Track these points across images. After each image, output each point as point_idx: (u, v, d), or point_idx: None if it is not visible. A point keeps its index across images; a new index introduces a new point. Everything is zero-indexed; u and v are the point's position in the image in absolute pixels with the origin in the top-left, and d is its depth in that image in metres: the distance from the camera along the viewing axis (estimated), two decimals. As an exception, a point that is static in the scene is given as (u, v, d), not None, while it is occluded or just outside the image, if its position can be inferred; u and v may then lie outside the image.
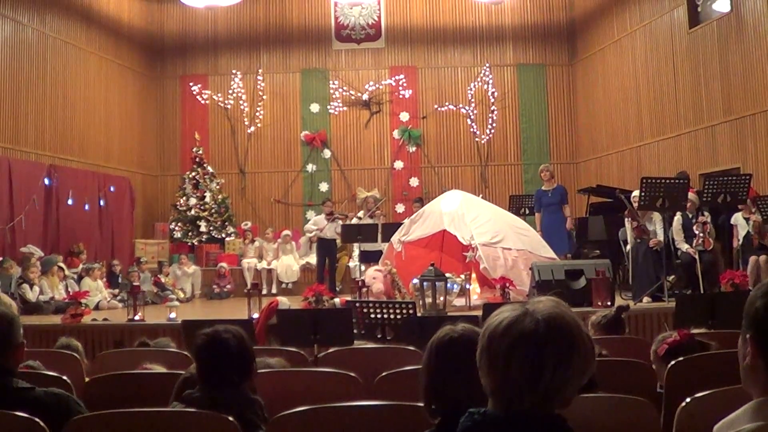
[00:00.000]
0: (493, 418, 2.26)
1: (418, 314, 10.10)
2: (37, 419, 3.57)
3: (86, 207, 18.30)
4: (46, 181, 16.94)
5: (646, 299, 12.44)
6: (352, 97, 22.85)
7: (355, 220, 18.26)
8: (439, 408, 2.94)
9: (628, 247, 13.92)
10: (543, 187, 15.97)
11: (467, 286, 13.78)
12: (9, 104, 16.56)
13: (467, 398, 2.62)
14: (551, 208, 15.61)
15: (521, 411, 2.22)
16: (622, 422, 4.09)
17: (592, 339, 2.33)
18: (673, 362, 5.06)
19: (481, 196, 17.65)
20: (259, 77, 22.99)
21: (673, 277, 12.95)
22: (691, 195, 13.27)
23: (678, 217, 13.43)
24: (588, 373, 2.28)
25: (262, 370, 4.72)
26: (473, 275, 14.37)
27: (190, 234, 20.77)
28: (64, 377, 5.02)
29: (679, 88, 17.33)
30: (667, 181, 12.82)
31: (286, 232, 20.23)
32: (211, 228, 20.76)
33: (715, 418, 2.30)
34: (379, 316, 9.39)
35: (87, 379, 5.75)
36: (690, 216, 13.36)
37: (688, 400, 3.94)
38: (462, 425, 2.31)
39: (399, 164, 22.68)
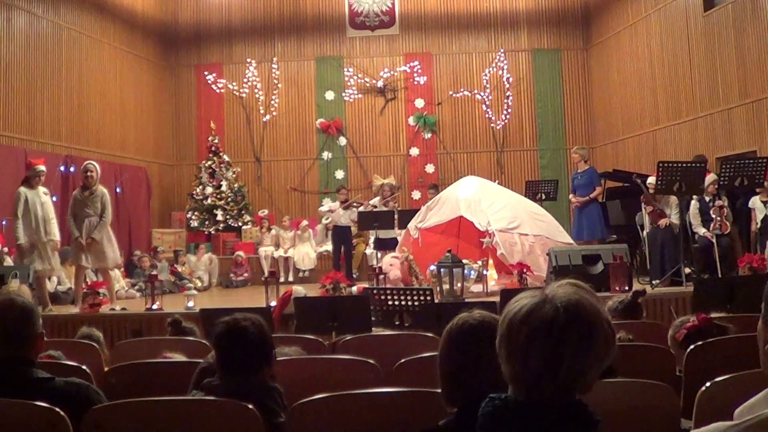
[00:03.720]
0: (513, 405, 2.25)
1: (436, 301, 10.09)
2: (56, 408, 3.58)
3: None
4: (62, 168, 16.98)
5: (663, 284, 12.40)
6: (367, 85, 22.83)
7: (369, 208, 18.22)
8: (457, 395, 2.94)
9: (645, 231, 13.89)
10: (578, 169, 15.92)
11: (484, 272, 13.78)
12: (25, 96, 16.59)
13: (485, 385, 2.62)
14: (581, 191, 15.53)
15: (542, 397, 2.21)
16: (641, 407, 4.08)
17: (612, 324, 2.31)
18: (692, 346, 5.05)
19: (497, 181, 17.65)
20: (273, 65, 22.99)
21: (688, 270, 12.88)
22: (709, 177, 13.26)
23: (695, 202, 13.40)
24: (608, 360, 2.26)
25: (281, 358, 4.73)
26: (490, 261, 14.35)
27: (206, 223, 20.81)
28: (84, 367, 5.03)
29: (694, 71, 17.25)
30: (684, 164, 12.75)
31: (304, 222, 20.21)
32: (228, 217, 20.79)
33: (735, 403, 2.29)
34: (396, 302, 9.38)
35: (106, 369, 5.77)
36: (707, 200, 13.32)
37: (708, 384, 3.93)
38: (482, 410, 2.30)
39: (414, 151, 22.66)
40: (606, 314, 2.28)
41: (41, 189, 12.81)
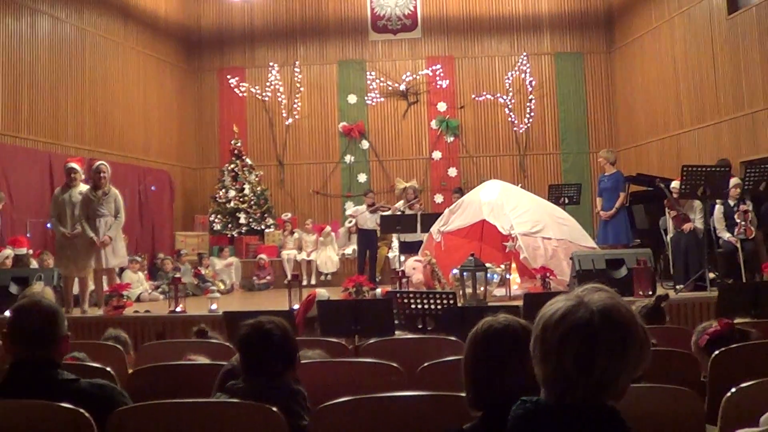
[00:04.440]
0: (545, 408, 2.24)
1: (459, 304, 10.07)
2: (81, 410, 3.60)
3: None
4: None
5: (687, 289, 12.34)
6: (390, 88, 22.84)
7: (397, 212, 18.22)
8: (483, 399, 2.93)
9: (669, 236, 13.83)
10: (605, 172, 15.88)
11: (507, 276, 13.74)
12: (49, 100, 16.69)
13: (511, 389, 2.61)
14: (606, 194, 15.48)
15: (574, 401, 2.20)
16: (666, 412, 4.06)
17: (648, 331, 2.30)
18: (717, 352, 5.03)
19: (519, 185, 17.58)
20: (296, 69, 23.03)
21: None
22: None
23: (719, 206, 13.33)
24: (643, 366, 2.25)
25: (304, 361, 4.73)
26: (513, 265, 14.33)
27: (229, 226, 20.86)
28: (108, 368, 5.05)
29: (718, 74, 17.16)
30: (708, 169, 12.69)
31: (327, 229, 20.24)
32: (251, 220, 20.83)
33: (761, 408, 2.28)
34: (419, 306, 9.37)
35: (131, 371, 5.79)
36: (732, 204, 13.26)
37: (733, 390, 3.92)
38: (514, 412, 2.30)
39: (437, 154, 22.65)
40: (641, 321, 2.26)
41: (77, 189, 12.85)
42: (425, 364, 5.17)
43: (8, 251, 13.62)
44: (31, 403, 3.66)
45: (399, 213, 17.97)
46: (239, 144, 21.50)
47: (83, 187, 12.95)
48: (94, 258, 12.66)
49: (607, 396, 2.22)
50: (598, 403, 2.21)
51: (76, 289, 13.00)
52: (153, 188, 19.96)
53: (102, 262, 12.71)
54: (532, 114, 22.57)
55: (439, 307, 9.25)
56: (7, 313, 4.45)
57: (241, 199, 20.89)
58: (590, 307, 2.21)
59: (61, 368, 3.91)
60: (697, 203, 13.12)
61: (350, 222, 20.12)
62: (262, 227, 21.01)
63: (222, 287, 17.66)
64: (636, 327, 2.23)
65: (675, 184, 13.27)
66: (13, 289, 11.96)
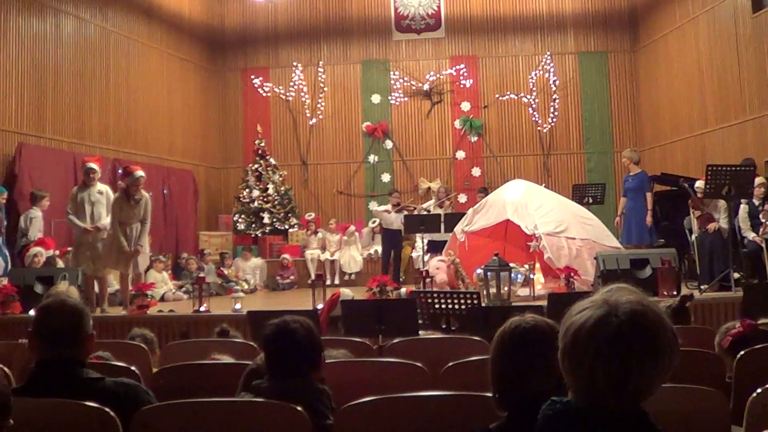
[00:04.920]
0: (575, 410, 2.22)
1: (482, 304, 10.05)
2: (106, 409, 3.61)
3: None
4: (120, 172, 17.07)
5: (712, 289, 12.28)
6: (413, 88, 22.84)
7: (423, 212, 18.23)
8: (509, 399, 2.92)
9: (694, 236, 13.77)
10: (629, 172, 15.83)
11: (531, 276, 13.71)
12: (73, 100, 16.77)
13: (538, 389, 2.60)
14: (630, 194, 15.46)
15: (605, 407, 2.18)
16: (691, 412, 4.04)
17: (676, 332, 2.27)
18: (742, 353, 5.01)
19: (543, 185, 17.52)
20: (319, 69, 23.06)
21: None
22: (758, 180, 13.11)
23: (744, 205, 13.26)
24: (674, 368, 2.23)
25: (329, 361, 4.73)
26: (537, 265, 14.28)
27: (253, 226, 20.88)
28: (133, 367, 5.06)
29: (743, 73, 17.05)
30: (733, 168, 12.62)
31: (351, 228, 20.27)
32: (274, 219, 20.85)
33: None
34: (443, 306, 9.37)
35: (155, 370, 5.80)
36: (756, 204, 13.18)
37: (759, 390, 3.90)
38: (543, 413, 2.28)
39: (461, 154, 22.62)
40: (669, 323, 2.24)
41: (96, 188, 12.90)
42: (449, 364, 5.16)
43: (38, 249, 13.67)
44: (56, 401, 3.67)
45: (425, 213, 17.98)
46: (263, 144, 21.51)
47: (101, 186, 13.03)
48: (124, 263, 12.74)
49: (639, 401, 2.20)
50: (631, 407, 2.19)
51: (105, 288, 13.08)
52: (165, 191, 19.95)
53: (134, 268, 12.84)
54: (556, 113, 22.52)
55: (462, 306, 9.24)
56: (32, 312, 4.47)
57: (264, 199, 20.91)
58: (620, 316, 2.18)
59: (86, 367, 3.92)
60: (722, 203, 13.06)
61: (374, 222, 20.13)
62: (286, 227, 21.03)
63: (246, 287, 17.68)
64: (666, 331, 2.20)
65: (699, 184, 13.22)
66: (38, 288, 12.05)
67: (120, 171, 16.58)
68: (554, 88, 22.54)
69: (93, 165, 13.01)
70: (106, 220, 12.78)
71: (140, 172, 12.86)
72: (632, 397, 2.17)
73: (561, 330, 2.30)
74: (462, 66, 22.77)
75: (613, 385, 2.15)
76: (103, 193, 12.94)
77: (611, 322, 2.17)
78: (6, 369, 4.99)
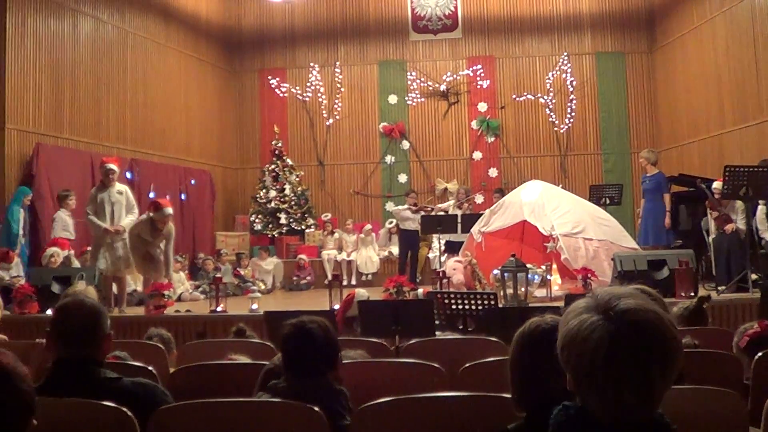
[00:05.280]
0: (590, 417, 2.17)
1: (499, 305, 10.04)
2: (124, 409, 3.62)
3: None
4: (128, 175, 17.11)
5: (729, 290, 12.23)
6: (430, 88, 22.82)
7: (441, 212, 18.25)
8: (529, 399, 2.91)
9: (711, 237, 13.72)
10: (646, 173, 15.81)
11: (548, 277, 13.69)
12: (91, 100, 16.82)
13: (557, 389, 2.59)
14: (648, 195, 15.45)
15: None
16: (708, 414, 4.03)
17: (677, 332, 2.19)
18: (760, 354, 4.99)
19: (560, 186, 17.49)
20: (336, 69, 23.07)
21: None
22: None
23: (762, 206, 13.20)
24: (676, 370, 2.16)
25: (346, 361, 4.73)
26: (554, 266, 14.27)
27: (270, 226, 20.91)
28: (150, 367, 5.07)
29: (761, 74, 16.96)
30: (751, 169, 12.56)
31: (368, 226, 20.30)
32: (291, 220, 20.87)
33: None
34: (460, 306, 9.35)
35: (172, 370, 5.80)
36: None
37: (776, 391, 3.88)
38: (555, 418, 2.25)
39: (477, 155, 22.60)
40: (667, 319, 2.16)
41: (115, 188, 12.96)
42: (466, 365, 5.15)
43: (55, 249, 13.73)
44: (74, 401, 3.68)
45: (442, 213, 17.98)
46: (280, 144, 21.55)
47: (120, 186, 13.12)
48: (155, 271, 12.94)
49: (653, 406, 2.14)
50: (646, 417, 2.14)
51: (116, 288, 13.13)
52: (193, 182, 20.04)
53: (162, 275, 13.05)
54: (573, 114, 22.47)
55: (479, 307, 9.23)
56: (50, 312, 4.48)
57: (281, 200, 20.94)
58: (610, 323, 2.09)
59: (103, 367, 3.93)
60: (739, 204, 12.99)
61: (391, 223, 20.15)
62: (303, 227, 21.06)
63: (262, 287, 17.70)
64: (672, 336, 2.14)
65: (717, 185, 13.17)
66: (56, 288, 12.10)
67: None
68: (571, 89, 22.49)
69: (112, 165, 13.07)
70: (126, 221, 12.86)
71: (169, 210, 13.06)
72: (647, 406, 2.13)
73: (561, 346, 2.24)
74: (479, 66, 22.75)
75: (609, 401, 2.10)
76: (122, 193, 13.00)
77: (601, 331, 2.10)
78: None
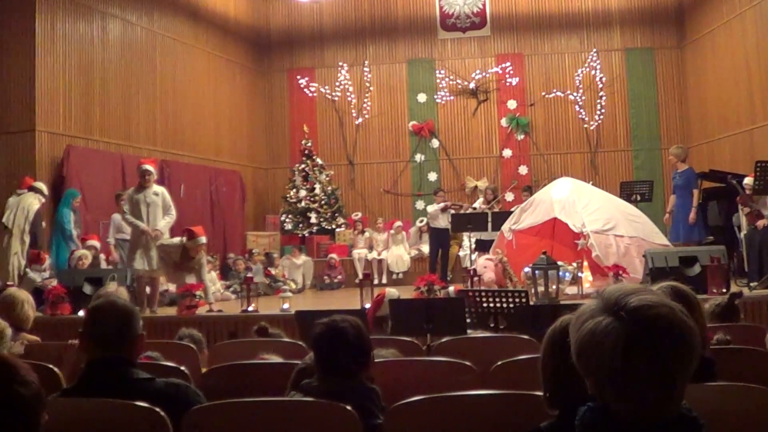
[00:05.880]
0: (616, 417, 2.13)
1: (531, 303, 10.01)
2: (157, 409, 3.62)
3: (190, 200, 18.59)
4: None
5: (761, 286, 12.14)
6: (459, 86, 22.80)
7: (470, 210, 18.25)
8: (560, 397, 2.88)
9: (743, 233, 13.64)
10: (677, 169, 15.74)
11: (579, 274, 13.67)
12: (121, 102, 16.93)
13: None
14: (678, 192, 15.37)
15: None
16: (741, 411, 3.98)
17: (691, 322, 2.14)
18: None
19: (591, 183, 17.42)
20: (365, 68, 23.09)
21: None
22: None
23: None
24: (693, 364, 2.11)
25: (378, 360, 4.72)
26: (585, 263, 14.21)
27: (300, 226, 20.94)
28: (182, 368, 5.08)
29: (792, 68, 16.89)
30: (782, 164, 12.50)
31: (398, 223, 20.31)
32: (322, 219, 20.90)
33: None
34: (491, 305, 9.32)
35: (204, 370, 5.82)
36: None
37: (810, 389, 3.84)
38: (580, 419, 2.21)
39: (507, 152, 22.57)
40: (679, 310, 2.09)
41: (152, 190, 13.02)
42: (498, 363, 5.12)
43: (84, 251, 13.85)
44: (107, 401, 3.69)
45: (473, 210, 17.99)
46: (309, 144, 21.58)
47: (157, 188, 13.16)
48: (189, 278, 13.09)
49: (669, 408, 2.11)
50: (673, 412, 2.11)
51: (147, 289, 13.19)
52: (224, 189, 20.15)
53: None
54: (603, 111, 22.38)
55: (511, 305, 9.19)
56: (82, 313, 4.51)
57: (311, 199, 20.97)
58: (619, 325, 2.03)
59: (136, 367, 3.94)
60: (772, 199, 12.93)
61: (421, 221, 20.16)
62: (333, 227, 21.08)
63: (293, 287, 17.72)
64: (687, 327, 2.07)
65: (748, 181, 13.09)
66: (87, 289, 12.16)
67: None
68: (601, 86, 22.40)
69: (148, 167, 13.13)
70: (162, 222, 12.93)
71: (203, 239, 13.33)
72: (669, 397, 2.08)
73: (572, 349, 2.20)
74: (508, 64, 22.71)
75: (626, 398, 2.06)
76: (158, 194, 13.06)
77: (619, 329, 2.05)
78: (56, 369, 5.03)
